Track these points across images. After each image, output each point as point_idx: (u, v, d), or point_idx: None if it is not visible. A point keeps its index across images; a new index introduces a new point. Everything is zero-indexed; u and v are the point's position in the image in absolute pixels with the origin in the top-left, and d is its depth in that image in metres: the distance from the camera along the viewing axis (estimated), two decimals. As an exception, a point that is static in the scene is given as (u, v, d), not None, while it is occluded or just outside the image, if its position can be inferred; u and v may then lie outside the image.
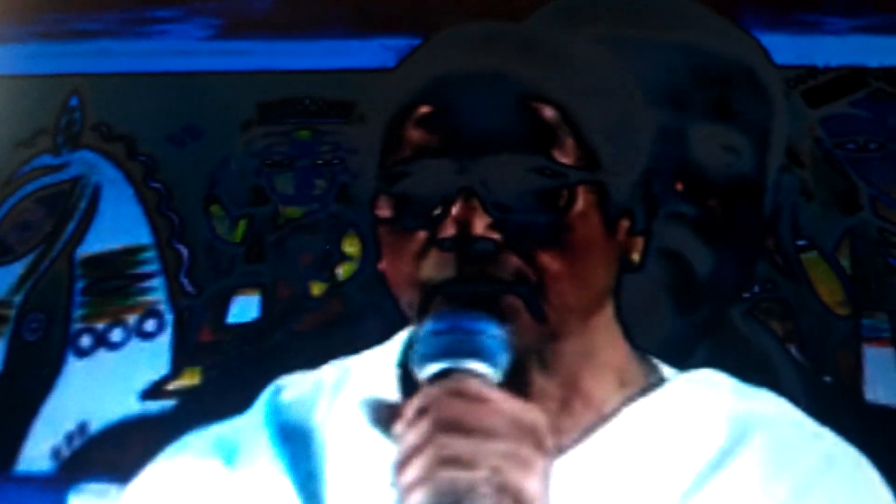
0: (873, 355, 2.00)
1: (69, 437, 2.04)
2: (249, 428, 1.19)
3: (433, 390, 1.01)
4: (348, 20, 2.20)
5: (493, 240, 1.07)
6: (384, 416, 1.02)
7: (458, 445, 0.97)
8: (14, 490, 2.04)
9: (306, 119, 2.21)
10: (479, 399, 1.00)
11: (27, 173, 2.23)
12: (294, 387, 1.22)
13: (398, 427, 1.00)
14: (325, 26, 2.22)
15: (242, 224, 2.15)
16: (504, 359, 1.06)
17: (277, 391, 1.22)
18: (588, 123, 1.11)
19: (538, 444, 1.00)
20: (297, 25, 2.23)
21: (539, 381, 1.13)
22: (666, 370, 1.21)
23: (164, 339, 2.10)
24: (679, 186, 1.69)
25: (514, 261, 1.08)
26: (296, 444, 1.17)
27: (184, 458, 1.19)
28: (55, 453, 2.04)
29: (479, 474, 0.97)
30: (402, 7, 2.15)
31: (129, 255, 2.15)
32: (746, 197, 1.73)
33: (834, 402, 1.95)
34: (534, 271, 1.08)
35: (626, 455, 1.13)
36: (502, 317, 1.07)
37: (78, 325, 2.12)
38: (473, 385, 1.01)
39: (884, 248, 2.07)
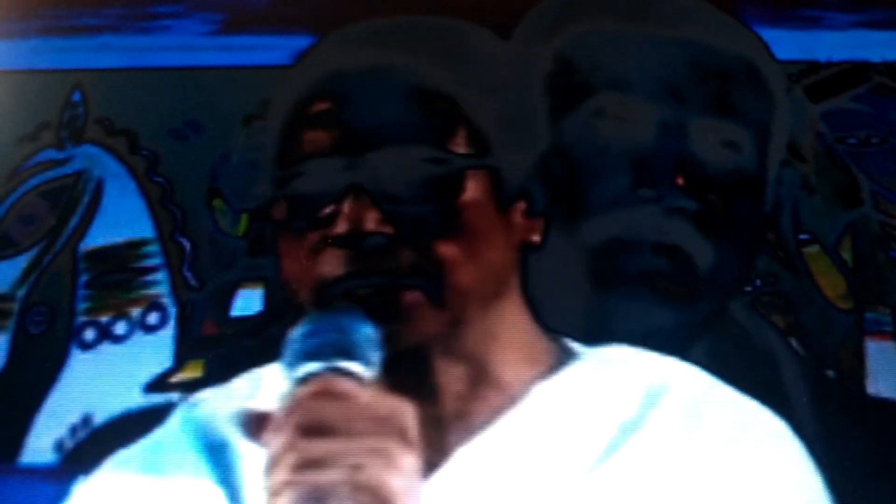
0: (875, 349, 2.00)
1: (73, 430, 2.04)
2: (174, 442, 1.19)
3: (297, 394, 1.02)
4: (351, 15, 2.21)
5: (385, 234, 1.08)
6: (253, 424, 1.03)
7: (318, 447, 1.00)
8: (18, 481, 2.04)
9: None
10: (341, 398, 1.03)
11: (31, 167, 2.23)
12: (207, 402, 1.22)
13: (266, 435, 1.01)
14: (326, 21, 2.22)
15: (245, 218, 2.16)
16: (375, 355, 1.07)
17: (191, 408, 1.22)
18: (479, 112, 1.12)
19: (402, 438, 1.02)
20: (299, 20, 2.23)
21: (444, 367, 1.14)
22: (577, 347, 1.21)
23: (168, 333, 2.10)
24: (680, 181, 1.69)
25: (409, 253, 1.09)
26: (218, 457, 1.17)
27: (114, 475, 1.19)
28: (59, 445, 2.04)
29: (338, 474, 0.99)
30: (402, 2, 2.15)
31: (132, 248, 2.16)
32: (747, 191, 1.74)
33: (836, 396, 1.95)
34: (429, 261, 1.09)
35: (536, 433, 1.14)
36: (403, 312, 1.08)
37: (82, 319, 2.13)
38: (337, 384, 1.03)
39: (885, 242, 2.07)
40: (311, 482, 0.99)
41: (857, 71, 2.14)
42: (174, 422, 1.22)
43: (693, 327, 1.74)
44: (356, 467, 0.99)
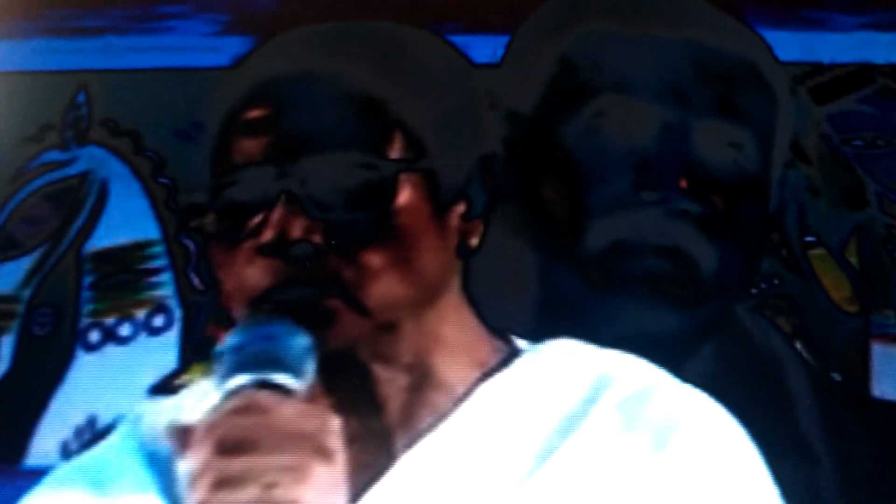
0: (881, 351, 2.00)
1: (78, 432, 2.05)
2: (116, 457, 1.19)
3: (220, 409, 1.01)
4: (354, 16, 2.21)
5: (310, 242, 1.08)
6: (178, 438, 1.03)
7: (232, 466, 0.98)
8: (23, 484, 2.04)
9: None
10: (261, 413, 1.00)
11: (35, 169, 2.23)
12: (153, 414, 1.21)
13: (188, 450, 1.01)
14: (330, 22, 2.22)
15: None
16: (308, 366, 1.06)
17: (137, 420, 1.21)
18: (414, 116, 1.12)
19: (320, 453, 1.00)
20: (303, 21, 2.23)
21: (382, 373, 1.13)
22: (523, 345, 1.21)
23: (173, 335, 2.11)
24: (683, 183, 1.69)
25: (333, 261, 1.08)
26: (163, 470, 1.16)
27: (54, 493, 1.18)
28: (64, 447, 2.05)
29: (251, 493, 0.97)
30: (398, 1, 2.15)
31: (137, 250, 2.16)
32: (751, 193, 1.73)
33: (841, 398, 1.96)
34: (352, 269, 1.08)
35: (481, 433, 1.13)
36: (324, 319, 1.08)
37: (86, 320, 2.13)
38: (259, 399, 1.01)
39: (891, 244, 2.07)
40: (223, 501, 0.98)
41: (861, 73, 2.14)
42: (116, 435, 1.22)
43: (698, 330, 1.74)
44: (269, 485, 0.98)
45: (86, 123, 2.24)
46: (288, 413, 1.01)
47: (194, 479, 0.99)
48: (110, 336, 2.12)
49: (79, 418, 2.05)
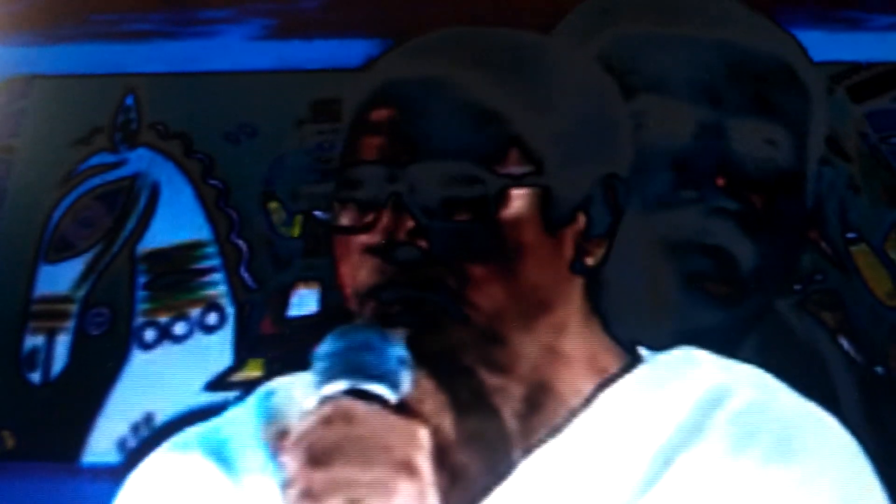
0: (924, 345, 2.02)
1: (135, 428, 2.07)
2: (243, 433, 1.19)
3: (311, 416, 1.02)
4: (398, 19, 2.23)
5: (417, 246, 1.09)
6: (274, 441, 1.04)
7: (318, 478, 0.99)
8: (81, 481, 2.06)
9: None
10: (352, 424, 1.01)
11: (85, 171, 2.26)
12: (284, 391, 1.22)
13: (282, 455, 1.02)
14: (375, 25, 2.25)
15: (299, 219, 2.18)
16: (404, 378, 1.07)
17: (268, 395, 1.22)
18: (533, 131, 1.12)
19: (405, 467, 1.01)
20: (348, 24, 2.25)
21: (492, 381, 1.13)
22: (643, 353, 1.22)
23: (227, 332, 2.12)
24: (720, 181, 1.70)
25: (438, 268, 1.09)
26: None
27: (178, 457, 1.19)
28: (121, 445, 2.07)
29: None
30: (450, 6, 2.17)
31: (190, 250, 2.18)
32: (787, 189, 1.74)
33: (886, 393, 1.97)
34: (455, 277, 1.09)
35: (599, 441, 1.14)
36: (424, 323, 1.09)
37: (141, 319, 2.15)
38: (352, 409, 1.02)
39: (930, 240, 2.09)
40: None
41: (897, 72, 2.17)
42: (245, 409, 1.23)
43: (739, 326, 1.75)
44: (354, 501, 0.98)
45: (135, 126, 2.26)
46: (377, 425, 1.02)
47: (286, 487, 1.00)
48: (165, 334, 2.14)
49: (135, 415, 2.08)
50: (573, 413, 1.15)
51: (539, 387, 1.15)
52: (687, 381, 1.17)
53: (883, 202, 2.11)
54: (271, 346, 2.11)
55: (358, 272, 1.11)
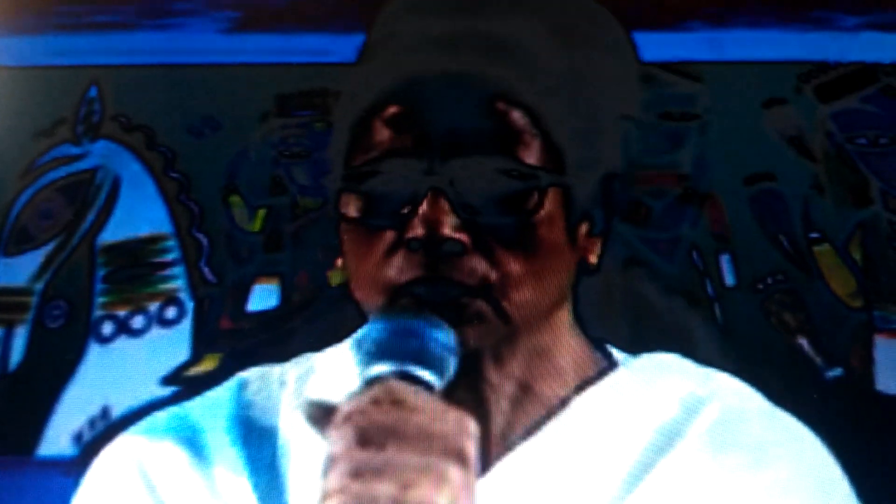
0: (885, 346, 2.02)
1: (91, 422, 2.06)
2: (215, 421, 1.18)
3: (360, 397, 1.01)
4: (366, 13, 2.22)
5: (460, 241, 1.08)
6: (320, 417, 1.02)
7: (371, 458, 0.98)
8: (36, 473, 2.05)
9: (323, 111, 2.23)
10: (404, 407, 1.00)
11: (47, 163, 2.25)
12: (258, 382, 1.21)
13: (329, 432, 1.01)
14: (342, 19, 2.24)
15: (261, 214, 2.17)
16: (448, 365, 1.06)
17: (241, 386, 1.21)
18: (556, 126, 1.12)
19: (458, 457, 0.99)
20: (314, 18, 2.25)
21: (494, 378, 1.14)
22: (619, 356, 1.21)
23: (185, 327, 2.12)
24: None
25: (480, 262, 1.08)
26: (258, 443, 1.16)
27: (148, 442, 1.18)
28: (77, 438, 2.06)
29: (387, 489, 0.97)
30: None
31: (150, 243, 2.17)
32: None
33: (844, 392, 1.97)
34: (498, 273, 1.09)
35: (575, 444, 1.14)
36: (468, 319, 1.09)
37: (99, 313, 2.14)
38: (402, 392, 1.01)
39: (894, 241, 2.09)
40: (360, 492, 0.97)
41: (865, 72, 2.16)
42: (217, 396, 1.22)
43: None
44: (407, 484, 0.97)
45: (98, 118, 2.25)
46: (429, 411, 1.00)
47: (331, 464, 0.98)
48: (123, 328, 2.13)
49: (92, 409, 2.07)
50: (550, 415, 1.15)
51: (524, 387, 1.15)
52: (664, 386, 1.17)
53: (847, 203, 2.11)
54: (229, 341, 2.10)
55: (387, 266, 1.10)
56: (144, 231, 2.18)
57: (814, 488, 1.14)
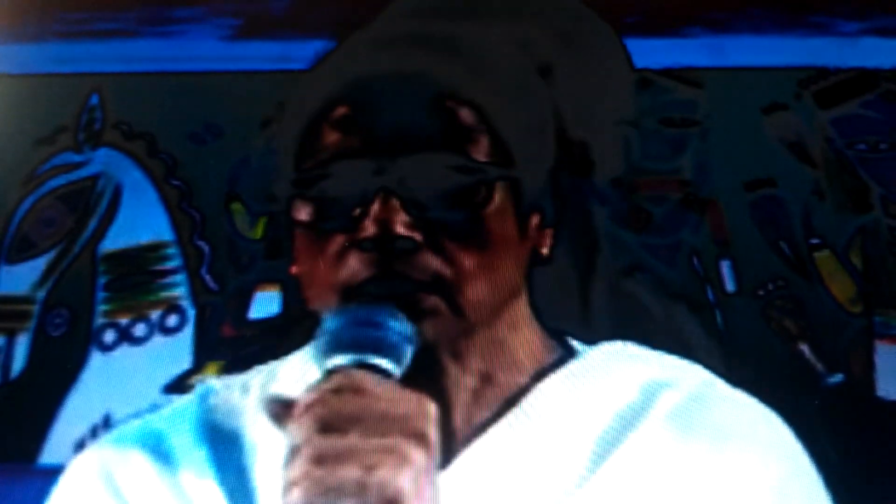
0: (885, 352, 2.02)
1: (93, 430, 2.06)
2: (181, 429, 1.19)
3: (319, 387, 1.02)
4: (368, 20, 2.22)
5: (413, 238, 1.09)
6: (280, 412, 1.03)
7: (333, 444, 0.99)
8: (38, 481, 2.05)
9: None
10: (363, 394, 1.01)
11: (48, 170, 2.25)
12: (223, 390, 1.22)
13: (290, 424, 1.02)
14: (342, 26, 2.24)
15: (262, 221, 2.18)
16: (405, 353, 1.08)
17: (206, 394, 1.22)
18: (503, 122, 1.13)
19: (417, 437, 1.01)
20: (315, 25, 2.25)
21: (454, 372, 1.15)
22: (578, 346, 1.22)
23: (187, 334, 2.12)
24: None
25: (433, 259, 1.09)
26: (225, 448, 1.17)
27: (114, 452, 1.19)
28: (79, 446, 2.06)
29: (350, 473, 0.98)
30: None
31: (151, 251, 2.17)
32: None
33: (845, 398, 1.97)
34: (451, 269, 1.10)
35: (535, 432, 1.14)
36: (422, 314, 1.09)
37: (101, 321, 2.14)
38: (361, 380, 1.02)
39: (895, 246, 2.09)
40: (323, 477, 0.99)
41: (865, 77, 2.16)
42: (183, 405, 1.23)
43: None
44: (370, 466, 0.98)
45: (99, 126, 2.25)
46: (389, 395, 1.02)
47: (293, 453, 1.00)
48: (125, 336, 2.13)
49: (94, 417, 2.07)
50: (510, 404, 1.16)
51: (484, 377, 1.16)
52: (623, 372, 1.19)
53: (847, 208, 2.11)
54: (231, 349, 2.10)
55: (341, 268, 1.11)
56: (146, 239, 2.18)
57: (777, 470, 1.15)
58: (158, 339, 2.13)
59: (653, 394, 1.17)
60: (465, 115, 1.12)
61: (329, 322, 1.07)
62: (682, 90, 2.15)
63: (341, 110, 1.12)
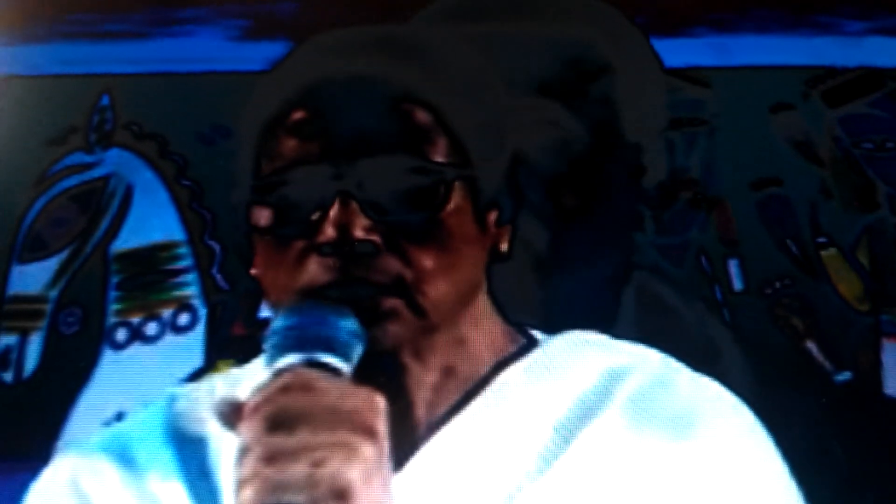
0: (892, 350, 2.03)
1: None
2: (144, 434, 1.20)
3: (269, 386, 1.03)
4: (374, 21, 2.23)
5: (372, 242, 1.10)
6: (229, 413, 1.04)
7: (282, 442, 1.00)
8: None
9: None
10: (310, 391, 1.02)
11: (59, 171, 2.26)
12: (187, 397, 1.23)
13: (239, 426, 1.03)
14: (350, 27, 2.24)
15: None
16: (355, 350, 1.09)
17: (171, 401, 1.23)
18: (459, 122, 1.14)
19: (366, 431, 1.02)
20: (323, 26, 2.25)
21: (414, 371, 1.15)
22: (539, 336, 1.23)
23: (198, 333, 2.13)
24: None
25: (393, 261, 1.10)
26: (191, 452, 1.18)
27: (80, 461, 1.20)
28: (92, 444, 2.07)
29: (299, 469, 0.99)
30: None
31: (163, 250, 2.18)
32: (593, 167, 1.70)
33: (853, 396, 1.98)
34: (411, 270, 1.10)
35: (497, 421, 1.15)
36: (383, 317, 1.10)
37: (113, 320, 2.15)
38: (308, 378, 1.03)
39: (901, 244, 2.10)
40: (273, 475, 0.99)
41: (872, 77, 2.17)
42: (147, 412, 1.24)
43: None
44: (318, 461, 0.99)
45: (110, 126, 2.26)
46: (336, 392, 1.03)
47: (243, 453, 1.00)
48: (137, 335, 2.14)
49: (106, 416, 2.07)
50: (471, 395, 1.17)
51: (445, 372, 1.17)
52: (585, 360, 1.20)
53: (854, 207, 2.12)
54: (242, 348, 2.11)
55: (302, 273, 1.11)
56: (157, 238, 2.19)
57: (740, 453, 1.15)
58: (170, 338, 2.14)
59: (614, 379, 1.18)
60: (422, 116, 1.13)
61: (278, 321, 1.08)
62: (689, 90, 2.15)
63: (298, 114, 1.13)
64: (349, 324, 1.08)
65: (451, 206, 1.13)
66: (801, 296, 2.07)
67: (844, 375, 2.02)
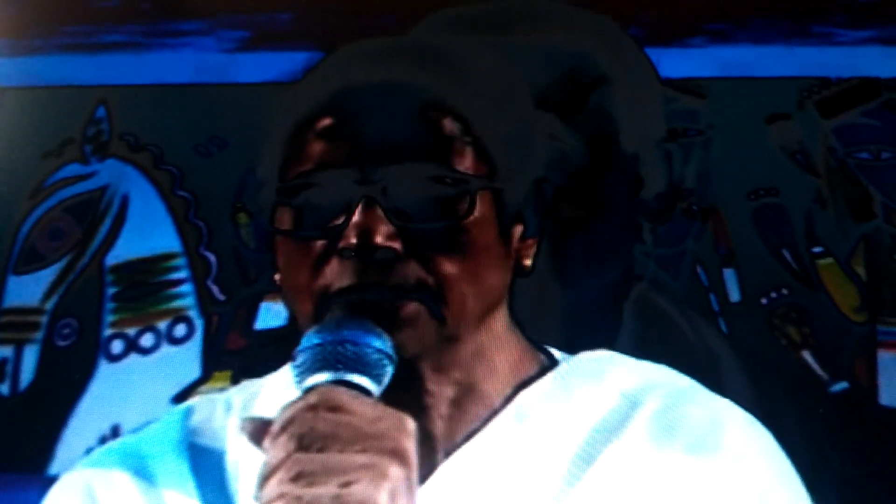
0: (888, 360, 2.03)
1: (102, 440, 2.07)
2: (159, 446, 1.20)
3: (296, 405, 1.02)
4: (372, 32, 2.23)
5: (393, 248, 1.09)
6: (257, 432, 1.04)
7: (310, 461, 0.99)
8: (48, 492, 2.06)
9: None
10: (340, 411, 1.01)
11: (56, 182, 2.26)
12: (203, 409, 1.22)
13: (265, 443, 1.02)
14: (347, 38, 2.25)
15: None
16: (385, 371, 1.07)
17: (187, 414, 1.22)
18: (486, 132, 1.13)
19: (395, 453, 1.01)
20: (321, 37, 2.26)
21: (433, 384, 1.15)
22: (558, 356, 1.23)
23: (194, 344, 2.13)
24: None
25: (415, 268, 1.09)
26: (207, 467, 1.17)
27: (96, 473, 1.19)
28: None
29: (328, 490, 0.98)
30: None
31: (159, 262, 2.18)
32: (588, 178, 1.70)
33: (850, 406, 1.98)
34: (433, 277, 1.10)
35: (518, 442, 1.15)
36: (403, 323, 1.10)
37: (109, 331, 2.15)
38: (338, 397, 1.02)
39: (897, 254, 2.10)
40: (300, 495, 0.99)
41: (867, 87, 2.17)
42: (162, 424, 1.23)
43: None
44: (347, 483, 0.98)
45: (106, 138, 2.26)
46: (367, 413, 1.01)
47: (270, 471, 1.00)
48: (133, 346, 2.14)
49: (103, 427, 2.08)
50: (492, 414, 1.17)
51: (465, 388, 1.16)
52: (605, 380, 1.19)
53: (849, 217, 2.12)
54: (238, 359, 2.11)
55: (320, 275, 1.11)
56: (153, 249, 2.19)
57: (759, 474, 1.15)
58: (166, 349, 2.14)
59: (635, 400, 1.17)
60: (449, 125, 1.12)
61: (308, 340, 1.08)
62: (686, 100, 2.16)
63: (326, 121, 1.12)
64: (381, 343, 1.08)
65: (476, 216, 1.12)
66: (798, 306, 2.07)
67: (841, 385, 2.03)
